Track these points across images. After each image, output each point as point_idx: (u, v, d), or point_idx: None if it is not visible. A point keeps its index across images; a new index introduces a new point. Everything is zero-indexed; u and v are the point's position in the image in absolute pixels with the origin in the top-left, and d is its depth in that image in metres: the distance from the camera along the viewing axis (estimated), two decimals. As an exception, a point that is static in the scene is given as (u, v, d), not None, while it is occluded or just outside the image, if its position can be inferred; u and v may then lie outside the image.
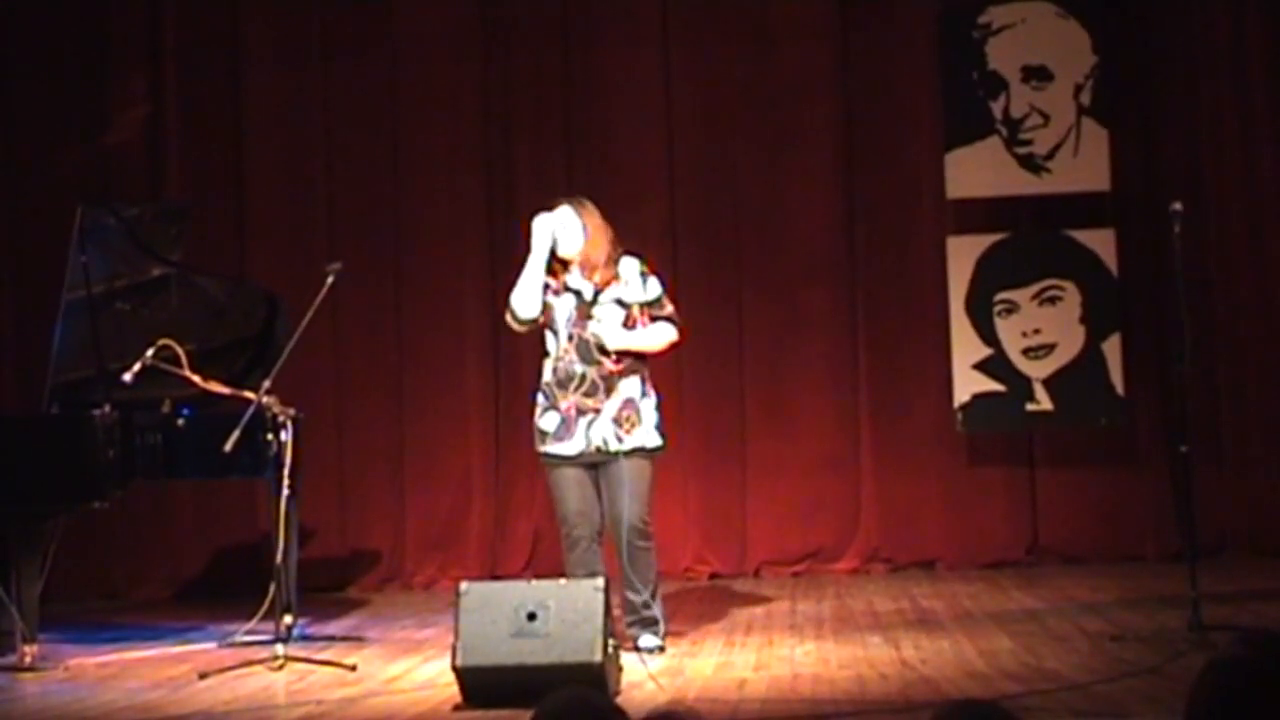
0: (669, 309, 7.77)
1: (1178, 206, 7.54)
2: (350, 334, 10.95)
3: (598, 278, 7.69)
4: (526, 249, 7.75)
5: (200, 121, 11.26)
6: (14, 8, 11.22)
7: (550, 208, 7.79)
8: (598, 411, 7.59)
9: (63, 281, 8.35)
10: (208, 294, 8.97)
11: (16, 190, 11.13)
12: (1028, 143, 10.53)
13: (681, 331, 7.84)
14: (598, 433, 7.58)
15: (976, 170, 10.55)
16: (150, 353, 8.22)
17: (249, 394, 8.08)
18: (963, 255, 10.59)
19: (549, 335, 7.71)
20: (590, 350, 7.62)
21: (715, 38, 11.04)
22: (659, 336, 7.76)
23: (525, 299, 7.66)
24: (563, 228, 7.71)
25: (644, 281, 7.75)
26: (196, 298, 8.88)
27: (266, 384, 7.91)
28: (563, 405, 7.63)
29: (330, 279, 7.91)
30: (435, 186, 11.12)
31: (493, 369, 10.95)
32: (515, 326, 7.76)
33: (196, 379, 8.31)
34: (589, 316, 7.65)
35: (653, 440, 7.68)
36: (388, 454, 11.03)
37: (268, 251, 11.00)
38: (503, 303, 10.68)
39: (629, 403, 7.63)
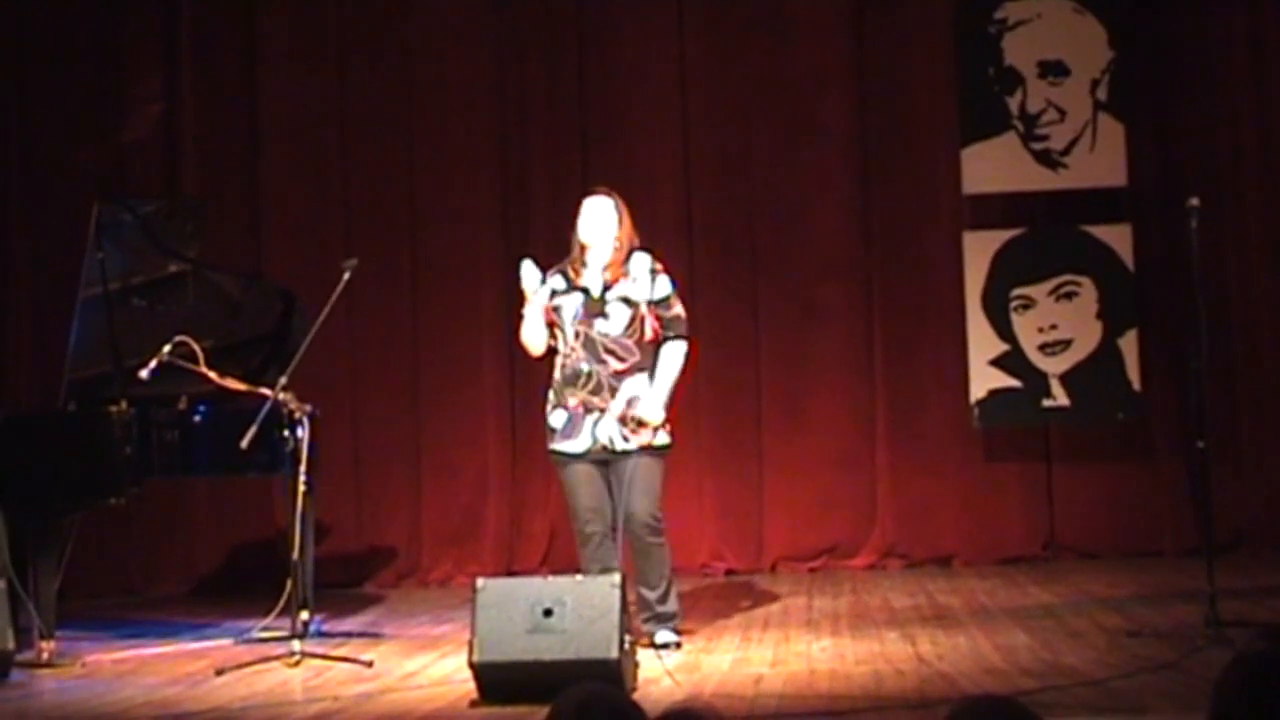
0: (675, 309, 7.71)
1: (1195, 202, 7.52)
2: (366, 330, 10.96)
3: (609, 274, 7.67)
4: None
5: (216, 118, 11.28)
6: (31, 6, 11.24)
7: (590, 193, 7.81)
8: (604, 410, 7.58)
9: (79, 278, 8.36)
10: (224, 290, 8.98)
11: (33, 187, 11.15)
12: (1044, 138, 10.52)
13: (691, 339, 7.79)
14: (604, 432, 7.57)
15: (993, 166, 10.53)
16: (167, 349, 8.22)
17: (265, 390, 8.08)
18: (979, 251, 10.58)
19: (558, 333, 7.71)
20: (596, 349, 7.61)
21: (731, 32, 11.03)
22: (676, 362, 7.68)
23: (531, 342, 7.72)
24: (598, 220, 7.69)
25: (653, 279, 7.70)
26: (212, 294, 8.88)
27: (283, 380, 7.93)
28: (570, 403, 7.63)
29: (346, 275, 7.91)
30: (451, 182, 11.13)
31: (508, 365, 10.94)
32: (530, 354, 7.82)
33: (213, 375, 8.32)
34: (599, 314, 7.64)
35: (660, 439, 7.66)
36: (404, 450, 11.04)
37: (283, 248, 11.01)
38: (518, 299, 10.80)
39: (634, 401, 7.60)
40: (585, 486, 7.63)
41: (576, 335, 7.63)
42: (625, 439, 7.58)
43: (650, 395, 7.60)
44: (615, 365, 7.61)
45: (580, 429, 7.61)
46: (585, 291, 7.67)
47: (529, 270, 7.66)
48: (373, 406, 11.03)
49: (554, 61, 11.15)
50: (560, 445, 7.67)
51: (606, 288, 7.66)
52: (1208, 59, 10.79)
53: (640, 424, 7.57)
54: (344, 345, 10.71)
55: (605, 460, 7.62)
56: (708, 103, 11.05)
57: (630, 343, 7.64)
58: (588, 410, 7.59)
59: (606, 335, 7.61)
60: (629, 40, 11.10)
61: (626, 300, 7.65)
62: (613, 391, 7.59)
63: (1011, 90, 10.56)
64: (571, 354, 7.64)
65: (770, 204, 10.97)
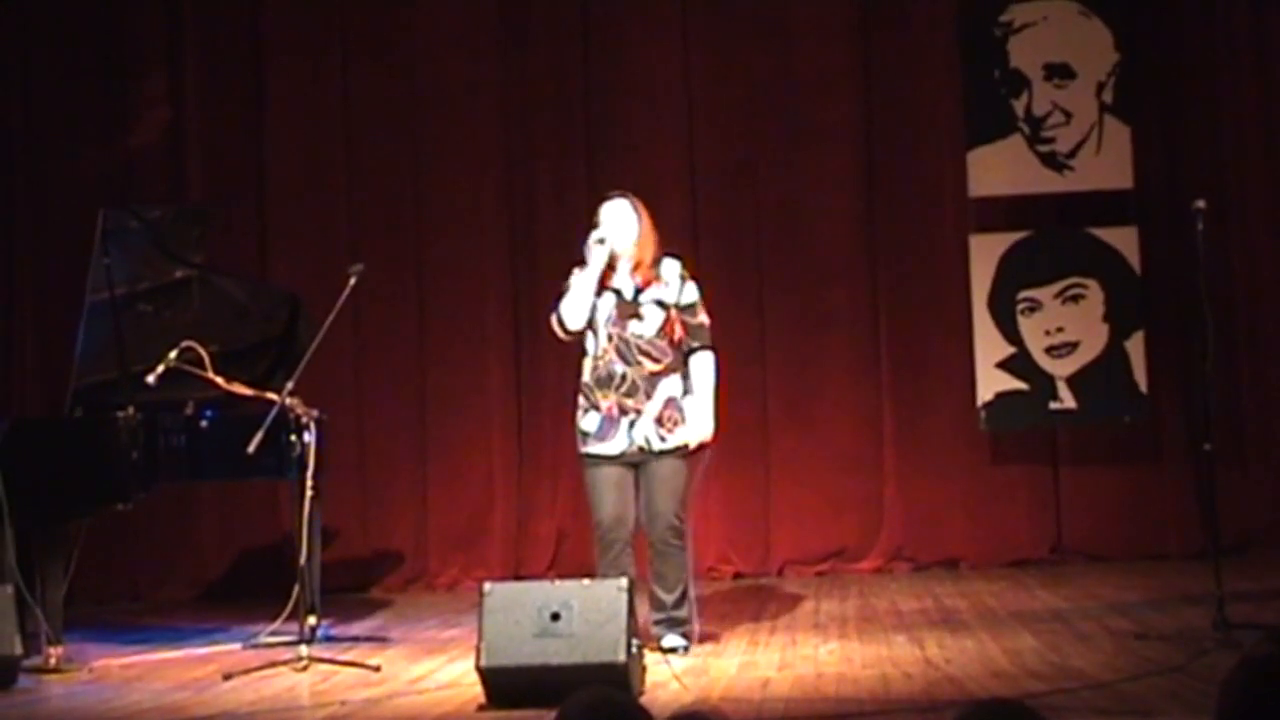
0: (700, 318, 7.72)
1: (1201, 204, 7.51)
2: (372, 335, 10.97)
3: (640, 277, 7.68)
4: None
5: (221, 123, 11.29)
6: (35, 10, 11.25)
7: (607, 198, 7.79)
8: (639, 412, 7.57)
9: (85, 284, 8.36)
10: (230, 296, 8.98)
11: (38, 193, 11.16)
12: (1050, 140, 10.52)
13: (714, 347, 7.77)
14: (640, 432, 7.57)
15: (999, 168, 10.54)
16: (173, 354, 8.23)
17: (272, 395, 8.08)
18: (985, 254, 10.58)
19: (588, 335, 7.68)
20: (631, 350, 7.61)
21: (735, 37, 11.04)
22: (710, 375, 7.69)
23: (575, 311, 7.62)
24: (618, 222, 7.69)
25: (682, 285, 7.72)
26: (219, 299, 8.88)
27: (289, 385, 7.92)
28: (603, 405, 7.61)
29: (352, 280, 7.91)
30: (456, 187, 11.14)
31: (514, 369, 10.96)
32: (560, 334, 7.74)
33: (219, 381, 8.33)
34: (632, 316, 7.63)
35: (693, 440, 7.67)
36: (410, 455, 11.04)
37: (289, 253, 11.02)
38: (524, 301, 10.82)
39: (671, 402, 7.61)
40: (612, 493, 7.61)
41: (610, 338, 7.62)
42: (662, 439, 7.59)
43: (697, 417, 7.63)
44: (650, 366, 7.61)
45: (615, 431, 7.59)
46: (618, 293, 7.66)
47: (604, 241, 7.64)
48: (379, 411, 11.04)
49: (559, 66, 11.15)
50: (593, 448, 7.64)
51: (639, 290, 7.67)
52: (1213, 61, 10.79)
53: (677, 423, 7.59)
54: (350, 350, 10.72)
55: (637, 463, 7.62)
56: (713, 107, 11.05)
57: (664, 344, 7.65)
58: (623, 412, 7.59)
59: (640, 337, 7.62)
60: (634, 45, 11.11)
61: (660, 303, 7.66)
62: (648, 393, 7.59)
63: (1017, 93, 10.57)
64: (604, 356, 7.63)
65: (776, 208, 10.97)
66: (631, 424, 7.58)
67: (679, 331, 7.69)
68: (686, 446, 7.64)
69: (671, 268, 7.74)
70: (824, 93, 10.99)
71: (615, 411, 7.59)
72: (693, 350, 7.70)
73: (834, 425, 10.86)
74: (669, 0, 11.10)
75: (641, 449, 7.58)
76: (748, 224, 10.99)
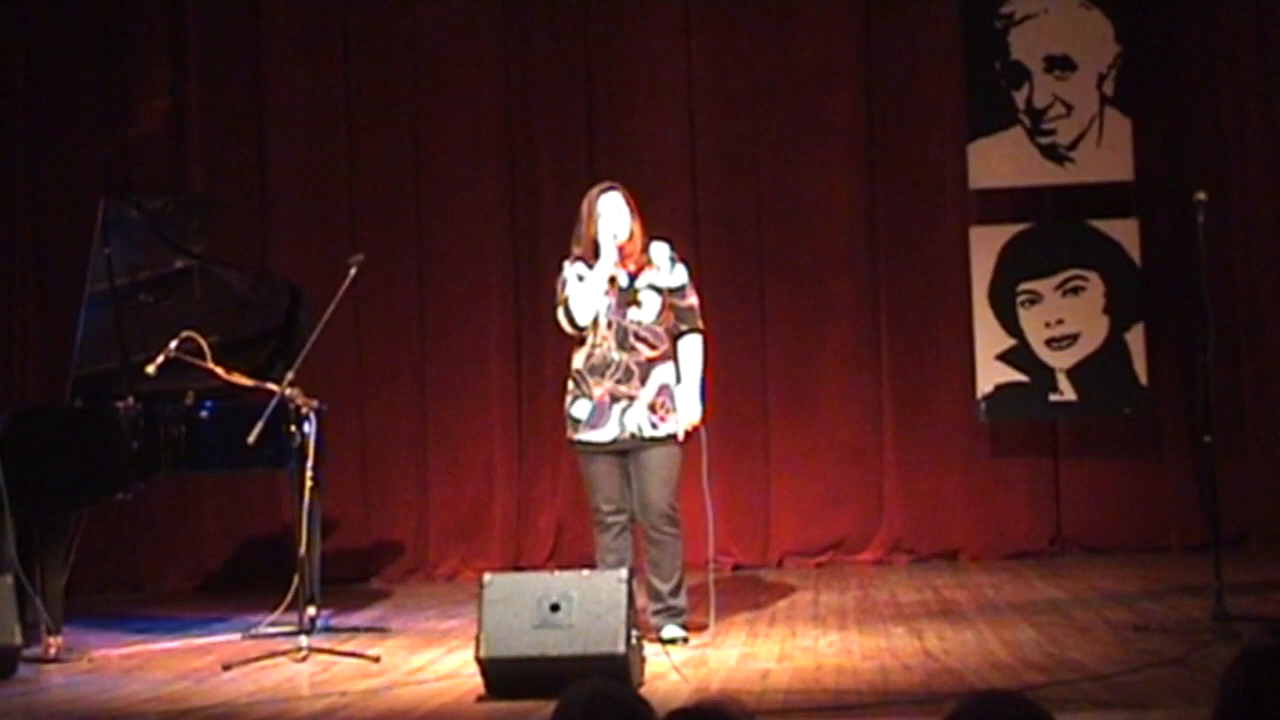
0: (689, 300, 7.74)
1: (1201, 196, 7.51)
2: (373, 326, 10.97)
3: (632, 264, 7.68)
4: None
5: (222, 114, 11.29)
6: (37, 1, 11.25)
7: (602, 191, 7.77)
8: (632, 399, 7.58)
9: (86, 274, 8.36)
10: (230, 286, 8.98)
11: (40, 183, 11.17)
12: (1051, 133, 10.51)
13: (703, 329, 7.79)
14: (632, 419, 7.58)
15: (999, 160, 10.53)
16: (173, 345, 8.23)
17: (272, 386, 8.09)
18: (986, 245, 10.57)
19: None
20: (628, 337, 7.62)
21: (737, 27, 11.03)
22: (698, 358, 7.71)
23: (585, 307, 7.63)
24: (619, 216, 7.69)
25: (671, 267, 7.74)
26: (219, 290, 8.88)
27: (290, 376, 7.94)
28: (596, 392, 7.62)
29: (353, 271, 7.92)
30: (457, 178, 11.14)
31: (515, 360, 10.96)
32: (569, 330, 7.74)
33: (220, 371, 8.33)
34: (631, 303, 7.65)
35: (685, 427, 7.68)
36: (411, 445, 11.05)
37: (290, 243, 11.03)
38: (525, 292, 10.82)
39: (664, 389, 7.63)
40: (608, 478, 7.64)
41: (609, 325, 7.63)
42: (654, 426, 7.60)
43: (685, 401, 7.64)
44: (646, 353, 7.62)
45: (607, 418, 7.60)
46: (612, 281, 7.67)
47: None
48: (379, 401, 11.05)
49: (561, 56, 11.15)
50: (586, 435, 7.66)
51: (633, 277, 7.68)
52: (1214, 53, 10.78)
53: (669, 410, 7.59)
54: (350, 340, 10.73)
55: (628, 449, 7.62)
56: (714, 98, 11.05)
57: (660, 330, 7.68)
58: (615, 399, 7.60)
59: (639, 324, 7.63)
60: (636, 36, 11.10)
61: (655, 288, 7.68)
62: (643, 379, 7.60)
63: (1018, 85, 10.55)
64: (602, 343, 7.64)
65: (777, 199, 10.97)
66: (624, 411, 7.59)
67: (672, 318, 7.70)
68: (677, 436, 7.64)
69: (661, 250, 7.76)
70: (825, 84, 10.99)
71: (607, 399, 7.60)
72: (681, 334, 7.72)
73: (834, 416, 10.86)
74: (670, -9, 11.12)
75: (633, 435, 7.59)
76: (749, 215, 10.99)
